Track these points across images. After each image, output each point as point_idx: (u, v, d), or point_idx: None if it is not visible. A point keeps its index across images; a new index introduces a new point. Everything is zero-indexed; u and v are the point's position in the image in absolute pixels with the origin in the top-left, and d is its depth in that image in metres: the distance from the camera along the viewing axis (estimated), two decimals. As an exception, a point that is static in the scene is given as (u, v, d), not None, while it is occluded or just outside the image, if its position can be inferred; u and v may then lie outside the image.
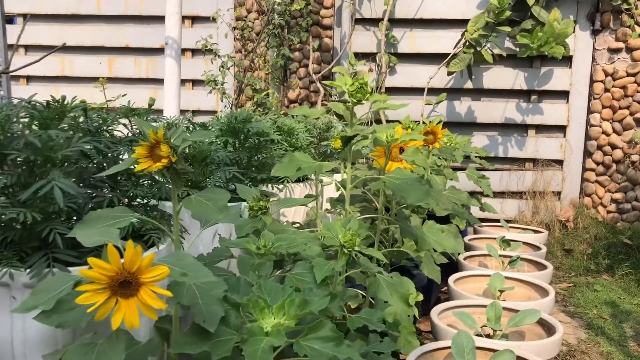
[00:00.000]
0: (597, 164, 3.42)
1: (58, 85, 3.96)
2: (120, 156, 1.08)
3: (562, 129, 3.50)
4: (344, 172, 1.57)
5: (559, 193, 3.51)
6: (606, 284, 2.88)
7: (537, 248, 2.63)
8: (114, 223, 0.88)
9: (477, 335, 1.71)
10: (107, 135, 1.18)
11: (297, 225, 1.67)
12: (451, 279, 2.05)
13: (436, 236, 1.64)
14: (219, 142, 1.60)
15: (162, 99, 2.50)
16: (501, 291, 1.99)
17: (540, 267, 2.30)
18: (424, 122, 3.42)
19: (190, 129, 1.64)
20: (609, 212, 3.41)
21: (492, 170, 3.50)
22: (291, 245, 1.18)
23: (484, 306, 1.74)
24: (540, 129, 3.53)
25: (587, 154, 3.45)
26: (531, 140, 3.51)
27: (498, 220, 3.27)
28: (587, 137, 3.44)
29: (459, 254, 2.31)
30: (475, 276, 2.13)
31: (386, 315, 1.32)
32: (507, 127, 3.55)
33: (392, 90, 3.62)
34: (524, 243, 2.72)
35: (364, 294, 1.47)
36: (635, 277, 2.93)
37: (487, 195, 2.73)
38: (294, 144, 1.95)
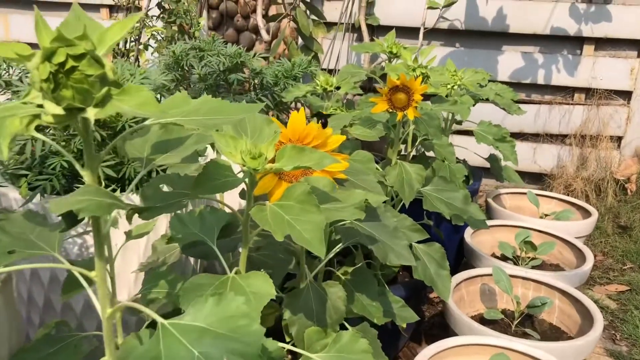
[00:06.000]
0: (684, 98, 2.33)
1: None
2: None
3: (636, 44, 2.36)
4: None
5: (619, 139, 2.45)
6: (679, 291, 1.93)
7: (581, 255, 1.67)
8: None
9: None
10: None
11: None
12: (424, 356, 1.15)
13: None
14: None
15: None
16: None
17: (580, 308, 1.37)
18: (424, 29, 2.32)
19: None
20: (690, 168, 2.37)
21: (524, 103, 2.44)
22: None
23: None
24: (603, 44, 2.38)
25: (670, 82, 2.34)
26: (587, 61, 2.39)
27: (527, 176, 2.30)
28: (674, 58, 2.31)
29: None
30: (470, 346, 1.22)
31: None
32: (553, 40, 2.42)
33: (388, -17, 2.49)
34: (560, 239, 1.76)
35: None
36: None
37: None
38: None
